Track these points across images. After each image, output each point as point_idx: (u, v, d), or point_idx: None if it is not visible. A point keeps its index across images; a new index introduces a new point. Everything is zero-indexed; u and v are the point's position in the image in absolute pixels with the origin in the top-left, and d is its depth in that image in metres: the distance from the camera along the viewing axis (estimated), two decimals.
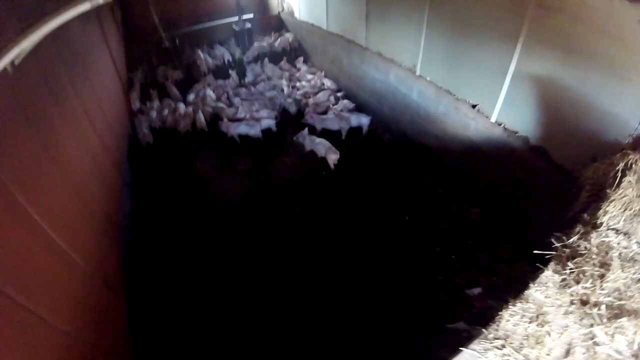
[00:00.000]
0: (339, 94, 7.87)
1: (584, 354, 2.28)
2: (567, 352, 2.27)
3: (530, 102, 4.02)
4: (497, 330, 2.19)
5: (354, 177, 5.72)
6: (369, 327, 3.69)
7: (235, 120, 7.02)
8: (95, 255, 3.23)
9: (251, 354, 3.41)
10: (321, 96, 7.60)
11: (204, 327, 3.73)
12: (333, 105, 7.36)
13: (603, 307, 2.36)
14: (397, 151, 6.19)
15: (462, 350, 2.11)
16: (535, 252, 2.52)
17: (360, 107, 7.13)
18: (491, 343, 2.14)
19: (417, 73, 5.51)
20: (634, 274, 2.51)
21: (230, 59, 9.42)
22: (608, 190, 2.60)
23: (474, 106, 4.73)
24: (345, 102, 7.33)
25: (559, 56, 3.55)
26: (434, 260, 4.26)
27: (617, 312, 2.38)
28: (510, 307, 2.24)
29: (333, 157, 5.77)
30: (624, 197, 2.58)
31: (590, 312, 2.34)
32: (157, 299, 3.92)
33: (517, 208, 4.44)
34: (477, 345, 2.15)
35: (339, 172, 5.78)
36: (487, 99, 4.57)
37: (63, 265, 2.60)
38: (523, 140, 4.22)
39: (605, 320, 2.33)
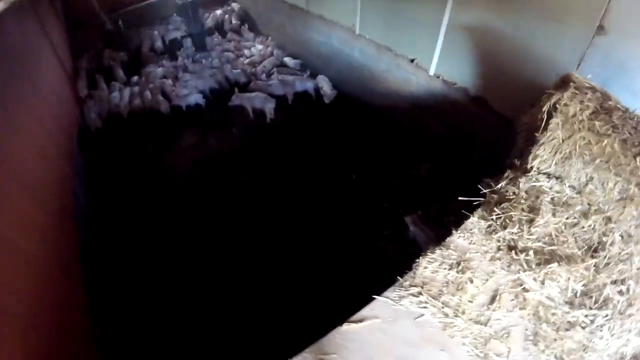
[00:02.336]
0: (286, 59, 8.47)
1: (512, 300, 2.24)
2: (493, 299, 2.25)
3: (467, 52, 4.42)
4: (413, 277, 2.23)
5: (300, 141, 6.16)
6: (319, 284, 3.92)
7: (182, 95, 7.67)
8: (51, 246, 3.56)
9: (211, 325, 3.80)
10: (267, 63, 8.36)
11: (166, 306, 4.01)
12: (278, 71, 7.97)
13: (531, 252, 2.53)
14: (344, 112, 6.81)
15: (375, 298, 2.16)
16: (460, 198, 2.77)
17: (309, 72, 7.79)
18: (407, 290, 2.19)
19: (357, 32, 6.09)
20: (567, 218, 2.74)
21: (179, 36, 9.87)
22: (537, 134, 2.92)
23: (412, 60, 5.22)
24: (294, 62, 8.05)
25: (491, 3, 3.94)
26: (382, 217, 4.71)
27: (547, 258, 2.49)
28: (429, 253, 2.30)
29: (269, 106, 6.65)
30: (553, 139, 2.85)
31: (518, 257, 2.49)
32: (117, 283, 4.25)
33: (465, 159, 4.77)
34: (391, 292, 2.18)
35: (285, 137, 6.28)
36: (425, 53, 5.02)
37: (17, 257, 2.88)
38: (462, 91, 4.62)
39: (534, 266, 2.44)
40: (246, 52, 9.22)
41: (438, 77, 4.91)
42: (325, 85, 7.21)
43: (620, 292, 2.41)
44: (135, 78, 8.24)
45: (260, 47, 9.25)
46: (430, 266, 2.16)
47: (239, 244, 4.58)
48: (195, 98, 7.38)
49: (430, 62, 5.00)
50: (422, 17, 4.86)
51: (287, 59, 8.47)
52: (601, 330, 2.30)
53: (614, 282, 2.43)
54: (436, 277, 2.14)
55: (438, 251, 2.26)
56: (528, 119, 2.82)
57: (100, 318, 3.61)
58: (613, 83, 3.15)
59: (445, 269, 2.17)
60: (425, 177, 5.21)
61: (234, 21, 10.60)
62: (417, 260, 2.19)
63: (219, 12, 10.83)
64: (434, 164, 5.24)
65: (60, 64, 6.88)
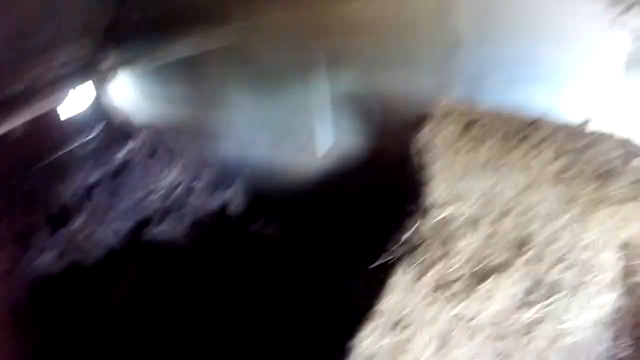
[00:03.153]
0: (200, 180, 8.84)
1: (464, 334, 2.51)
2: (445, 342, 2.48)
3: (351, 119, 5.12)
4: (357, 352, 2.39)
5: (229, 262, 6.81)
6: None
7: None
8: None
9: None
10: (183, 188, 8.82)
11: None
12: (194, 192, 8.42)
13: (463, 280, 2.62)
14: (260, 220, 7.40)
15: None
16: (375, 264, 2.95)
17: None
18: None
19: (247, 136, 6.84)
20: (483, 231, 3.28)
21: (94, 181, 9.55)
22: (420, 173, 3.54)
23: (304, 146, 5.86)
24: (210, 178, 8.48)
25: (354, 71, 4.63)
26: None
27: (481, 277, 2.72)
28: (365, 329, 2.49)
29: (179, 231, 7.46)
30: (439, 169, 3.41)
31: (452, 290, 2.66)
32: None
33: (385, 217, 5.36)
34: None
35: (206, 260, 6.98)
36: (314, 134, 5.77)
37: None
38: (361, 155, 5.26)
39: (470, 291, 2.63)
40: (157, 183, 9.50)
41: (333, 155, 5.63)
42: (239, 196, 7.87)
43: (567, 268, 2.70)
44: (58, 236, 8.28)
45: (170, 176, 9.59)
46: (369, 341, 2.42)
47: None
48: (116, 242, 7.80)
49: (320, 143, 5.78)
50: (296, 107, 5.74)
51: (200, 180, 8.96)
52: (566, 312, 2.54)
53: (556, 263, 2.71)
54: (378, 350, 2.38)
55: (371, 323, 2.49)
56: (410, 161, 3.46)
57: None
58: (482, 86, 3.85)
59: (383, 338, 2.42)
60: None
61: (140, 156, 10.70)
62: (354, 342, 2.40)
63: (130, 146, 10.81)
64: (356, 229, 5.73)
65: None
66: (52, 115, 8.28)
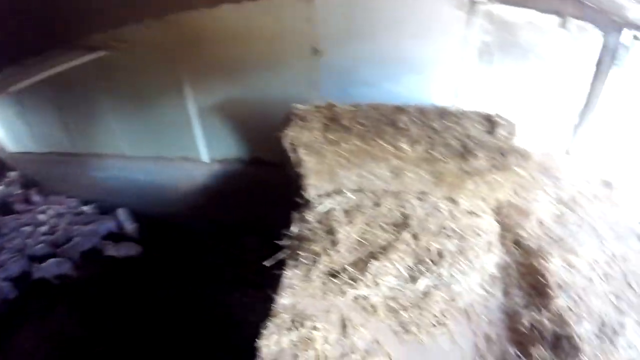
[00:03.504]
0: (83, 208, 8.82)
1: (361, 315, 2.58)
2: (345, 327, 2.55)
3: (226, 127, 5.33)
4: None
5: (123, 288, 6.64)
6: None
7: None
8: None
9: None
10: (63, 223, 8.68)
11: None
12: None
13: (351, 267, 2.70)
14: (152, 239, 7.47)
15: None
16: (266, 264, 2.98)
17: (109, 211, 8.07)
18: None
19: (129, 155, 6.98)
20: (363, 218, 3.43)
21: None
22: (297, 170, 3.72)
23: (185, 158, 6.13)
24: (90, 208, 8.49)
25: (225, 80, 4.80)
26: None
27: (367, 261, 2.73)
28: (263, 332, 2.51)
29: (65, 267, 7.16)
30: (310, 167, 3.60)
31: (343, 278, 2.67)
32: None
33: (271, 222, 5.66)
34: None
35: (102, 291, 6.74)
36: (192, 146, 6.05)
37: None
38: (240, 162, 5.58)
39: (359, 276, 2.67)
40: (41, 217, 9.37)
41: (215, 161, 5.85)
42: (124, 220, 7.82)
43: (447, 238, 2.88)
44: None
45: (53, 208, 9.50)
46: (271, 342, 2.41)
47: None
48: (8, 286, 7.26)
49: (200, 152, 6.02)
50: (172, 119, 5.88)
51: (84, 208, 8.94)
52: (453, 277, 2.70)
53: (437, 235, 2.87)
54: (283, 347, 2.39)
55: (269, 323, 2.48)
56: (285, 160, 3.61)
57: None
58: (348, 85, 4.17)
59: (285, 335, 2.42)
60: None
61: (18, 191, 10.69)
62: (255, 346, 2.40)
63: (1, 185, 10.74)
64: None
65: None
66: None
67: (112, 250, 7.88)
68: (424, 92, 4.03)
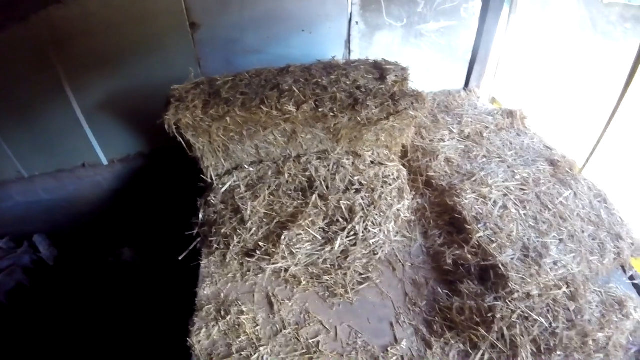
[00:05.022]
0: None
1: (285, 290, 2.66)
2: (271, 305, 2.61)
3: (117, 124, 5.33)
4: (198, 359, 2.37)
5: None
6: None
7: None
8: None
9: None
10: None
11: None
12: None
13: (263, 242, 2.73)
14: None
15: None
16: (180, 258, 2.93)
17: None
18: None
19: (27, 176, 6.79)
20: (267, 189, 3.05)
21: None
22: (189, 155, 3.39)
23: (83, 165, 6.12)
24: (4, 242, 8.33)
25: (105, 72, 4.74)
26: None
27: (279, 232, 2.79)
28: (190, 330, 2.51)
29: None
30: (201, 148, 3.50)
31: (259, 256, 2.71)
32: None
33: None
34: None
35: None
36: (87, 151, 5.97)
37: None
38: (140, 156, 5.70)
39: (272, 249, 2.71)
40: None
41: (115, 161, 5.82)
42: (41, 246, 7.53)
43: (356, 192, 2.95)
44: None
45: None
46: (201, 336, 2.40)
47: None
48: None
49: (99, 155, 5.92)
50: (61, 126, 5.62)
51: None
52: (368, 230, 2.81)
53: (345, 191, 2.94)
54: (214, 339, 2.41)
55: (196, 318, 2.47)
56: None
57: None
58: (235, 56, 4.18)
59: (213, 326, 2.43)
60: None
61: None
62: (187, 342, 2.40)
63: None
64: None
65: None
66: None
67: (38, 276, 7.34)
68: (316, 51, 4.07)
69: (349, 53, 4.18)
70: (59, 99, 5.18)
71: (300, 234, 2.74)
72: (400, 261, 2.86)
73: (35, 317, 6.47)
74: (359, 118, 2.94)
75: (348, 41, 4.18)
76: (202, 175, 3.19)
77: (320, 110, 2.91)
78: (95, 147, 5.74)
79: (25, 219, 7.38)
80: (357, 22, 4.07)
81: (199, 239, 2.89)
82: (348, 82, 3.14)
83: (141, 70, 4.49)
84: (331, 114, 2.93)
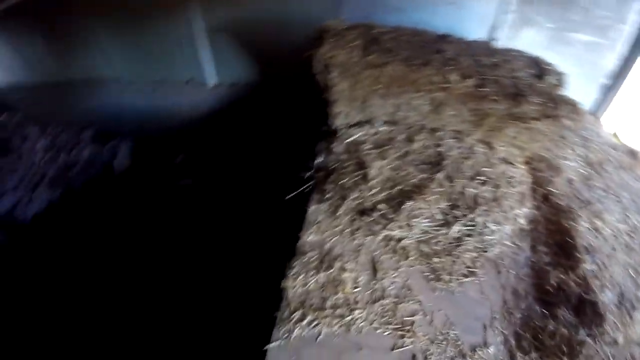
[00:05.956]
0: (82, 138, 8.73)
1: (393, 258, 2.52)
2: (375, 270, 2.47)
3: (238, 49, 5.25)
4: (287, 304, 2.39)
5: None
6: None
7: None
8: None
9: None
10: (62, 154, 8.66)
11: None
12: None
13: (382, 205, 2.61)
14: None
15: (267, 349, 2.30)
16: (288, 197, 2.82)
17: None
18: (290, 321, 2.34)
19: (126, 80, 7.05)
20: (396, 153, 3.36)
21: None
22: (324, 95, 3.53)
23: (188, 82, 6.00)
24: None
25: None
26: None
27: (400, 200, 2.62)
28: (288, 273, 2.46)
29: None
30: (341, 92, 3.48)
31: (373, 217, 2.61)
32: None
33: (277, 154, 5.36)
34: (278, 332, 2.34)
35: None
36: (197, 68, 5.93)
37: None
38: (249, 87, 5.51)
39: (391, 215, 2.59)
40: (38, 151, 9.23)
41: (221, 86, 5.73)
42: (120, 153, 7.87)
43: (482, 184, 2.82)
44: None
45: (50, 140, 9.42)
46: (297, 282, 2.35)
47: None
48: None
49: (205, 76, 5.91)
50: (174, 39, 5.71)
51: (82, 138, 8.83)
52: (487, 226, 2.67)
53: (472, 180, 2.79)
54: (310, 289, 2.41)
55: (295, 263, 2.41)
56: (311, 85, 3.42)
57: None
58: (374, 11, 3.90)
59: (312, 275, 2.36)
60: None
61: (13, 128, 10.64)
62: (281, 286, 2.38)
63: None
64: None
65: None
66: None
67: (113, 176, 7.83)
68: (460, 28, 3.86)
69: (493, 40, 3.93)
70: (181, 13, 5.22)
71: (422, 208, 2.65)
72: (505, 267, 2.72)
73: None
74: (515, 110, 2.82)
75: (492, 28, 4.01)
76: (327, 120, 3.08)
77: (482, 89, 2.76)
78: (205, 67, 5.75)
79: (115, 120, 7.48)
80: (510, 11, 3.85)
81: (310, 183, 2.82)
82: (508, 69, 2.98)
83: (278, 6, 4.49)
84: (492, 96, 2.79)
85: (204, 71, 5.75)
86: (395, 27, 3.07)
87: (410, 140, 2.93)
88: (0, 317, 5.16)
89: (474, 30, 3.93)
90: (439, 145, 2.94)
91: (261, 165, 5.59)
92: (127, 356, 4.18)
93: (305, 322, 2.32)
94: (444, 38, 3.00)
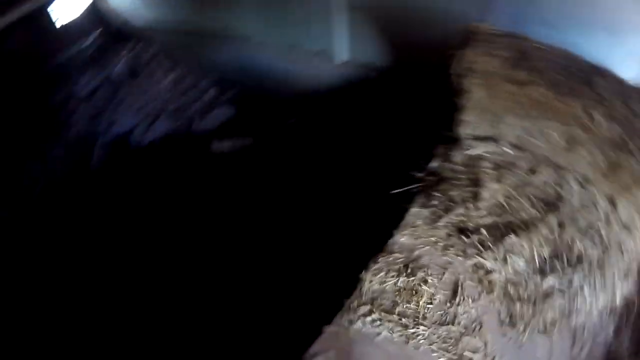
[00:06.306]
0: (204, 87, 8.94)
1: (476, 287, 2.40)
2: (455, 293, 2.38)
3: (373, 29, 5.00)
4: (360, 296, 2.37)
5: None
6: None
7: None
8: None
9: None
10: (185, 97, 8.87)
11: None
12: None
13: (484, 230, 2.49)
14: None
15: (323, 331, 2.31)
16: (393, 192, 2.80)
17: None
18: (356, 312, 2.34)
19: (258, 41, 6.98)
20: (514, 180, 3.10)
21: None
22: (456, 99, 3.36)
23: (319, 52, 5.92)
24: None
25: None
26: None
27: (503, 231, 2.83)
28: (371, 266, 2.44)
29: None
30: (474, 100, 3.29)
31: (471, 239, 2.54)
32: None
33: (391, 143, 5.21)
34: (340, 318, 2.34)
35: None
36: (331, 41, 5.77)
37: None
38: (378, 70, 5.29)
39: (490, 243, 2.45)
40: (164, 85, 9.86)
41: (351, 63, 5.60)
42: (240, 106, 7.96)
43: (593, 242, 2.70)
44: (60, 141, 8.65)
45: (175, 80, 9.88)
46: (376, 278, 2.36)
47: None
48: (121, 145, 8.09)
49: (339, 50, 5.80)
50: (312, 8, 5.70)
51: (204, 87, 9.16)
52: (582, 290, 2.48)
53: (583, 234, 2.60)
54: (386, 289, 2.41)
55: (381, 259, 2.36)
56: (444, 85, 3.26)
57: None
58: (524, 20, 3.53)
59: (393, 276, 2.34)
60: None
61: (147, 57, 10.83)
62: (360, 277, 2.35)
63: (130, 51, 10.81)
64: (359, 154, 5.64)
65: None
66: (46, 21, 8.66)
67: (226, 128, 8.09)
68: (611, 60, 3.47)
69: None
70: None
71: (523, 247, 2.53)
72: (582, 339, 2.59)
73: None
74: None
75: None
76: (452, 125, 2.97)
77: (627, 140, 2.64)
78: (337, 42, 5.71)
79: (237, 77, 7.99)
80: None
81: (419, 185, 2.77)
82: None
83: None
84: (634, 151, 2.67)
85: (335, 46, 5.69)
86: (549, 45, 2.81)
87: (532, 171, 2.77)
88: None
89: (625, 64, 3.55)
90: (560, 186, 2.75)
91: (370, 151, 5.36)
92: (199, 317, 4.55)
93: (369, 318, 2.32)
94: (597, 70, 2.75)
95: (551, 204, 2.71)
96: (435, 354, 2.20)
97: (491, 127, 2.79)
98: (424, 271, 2.42)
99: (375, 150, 5.42)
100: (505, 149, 2.75)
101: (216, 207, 6.31)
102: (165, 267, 5.15)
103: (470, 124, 2.81)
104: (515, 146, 2.82)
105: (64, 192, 7.43)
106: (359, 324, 2.32)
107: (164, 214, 6.21)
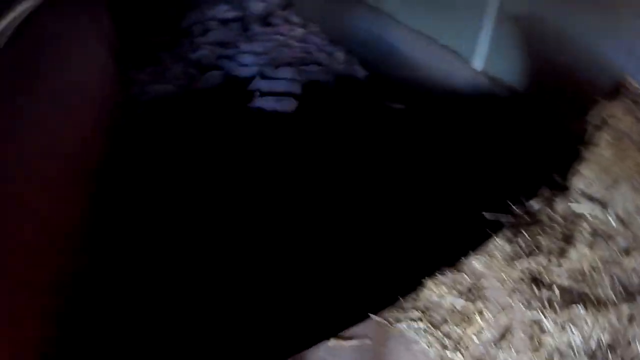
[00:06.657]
0: (330, 49, 9.32)
1: (524, 341, 2.30)
2: (503, 336, 2.31)
3: (516, 47, 4.75)
4: (415, 300, 2.35)
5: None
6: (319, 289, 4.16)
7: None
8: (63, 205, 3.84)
9: None
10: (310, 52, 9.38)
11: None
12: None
13: (557, 289, 2.64)
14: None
15: (370, 316, 2.31)
16: (484, 213, 2.77)
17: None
18: (405, 313, 2.33)
19: (399, 20, 6.79)
20: (605, 254, 3.01)
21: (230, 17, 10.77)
22: (581, 148, 3.18)
23: (455, 52, 5.70)
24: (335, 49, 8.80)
25: None
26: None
27: (574, 298, 2.87)
28: (437, 275, 2.40)
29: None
30: (599, 157, 3.13)
31: (541, 293, 2.83)
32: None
33: (499, 167, 5.02)
34: (388, 312, 2.33)
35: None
36: (470, 46, 5.57)
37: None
38: (510, 90, 4.97)
39: (557, 305, 2.74)
40: (292, 35, 10.57)
41: (484, 73, 5.34)
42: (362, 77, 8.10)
43: None
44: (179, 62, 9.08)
45: (304, 35, 10.59)
46: (436, 289, 2.31)
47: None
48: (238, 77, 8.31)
49: (476, 56, 5.51)
50: (463, 4, 5.50)
51: (329, 48, 9.64)
52: None
53: None
54: (442, 303, 2.32)
55: (449, 273, 2.30)
56: (575, 130, 3.09)
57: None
58: None
59: (454, 295, 2.35)
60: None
61: (279, 10, 11.92)
62: (423, 281, 2.32)
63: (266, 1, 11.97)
64: (464, 166, 5.49)
65: (103, 36, 7.26)
66: None
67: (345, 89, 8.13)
68: None
69: None
70: None
71: (585, 324, 2.46)
72: None
73: None
74: None
75: None
76: (566, 173, 2.91)
77: None
78: (477, 49, 5.57)
79: (365, 49, 8.20)
80: None
81: (511, 217, 2.75)
82: None
83: (584, 26, 4.12)
84: None
85: (473, 52, 5.52)
86: None
87: (627, 253, 2.63)
88: None
89: None
90: None
91: (475, 163, 5.29)
92: None
93: (415, 325, 2.33)
94: None
95: (630, 294, 2.57)
96: None
97: (604, 190, 2.65)
98: (484, 303, 2.37)
99: (481, 165, 5.17)
100: (610, 217, 2.58)
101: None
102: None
103: (585, 178, 2.66)
104: (620, 219, 2.64)
105: (168, 107, 7.58)
106: (403, 325, 2.31)
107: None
